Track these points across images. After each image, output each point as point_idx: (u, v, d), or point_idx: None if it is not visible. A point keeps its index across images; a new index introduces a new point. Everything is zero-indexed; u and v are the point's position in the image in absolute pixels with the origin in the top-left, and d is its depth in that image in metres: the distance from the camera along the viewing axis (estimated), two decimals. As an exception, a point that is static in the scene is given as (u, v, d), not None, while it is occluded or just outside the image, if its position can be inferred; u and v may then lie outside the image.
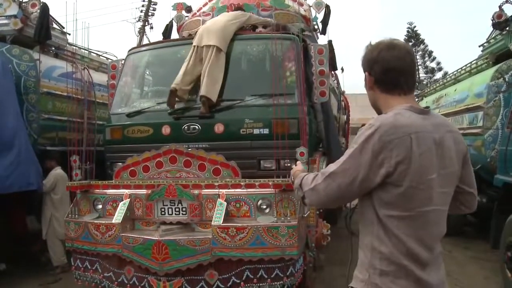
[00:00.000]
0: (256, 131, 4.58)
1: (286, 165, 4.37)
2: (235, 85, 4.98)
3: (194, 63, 4.87)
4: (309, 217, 4.56)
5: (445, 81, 10.28)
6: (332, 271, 5.89)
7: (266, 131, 4.56)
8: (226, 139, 4.65)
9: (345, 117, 10.42)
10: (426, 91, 12.27)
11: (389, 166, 1.67)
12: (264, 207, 4.06)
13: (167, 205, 4.26)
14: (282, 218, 3.91)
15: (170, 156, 4.33)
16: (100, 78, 7.84)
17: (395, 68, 1.82)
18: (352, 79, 33.11)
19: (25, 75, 6.18)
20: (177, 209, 4.24)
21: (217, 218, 3.94)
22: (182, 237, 3.95)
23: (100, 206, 4.54)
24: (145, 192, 4.28)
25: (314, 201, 1.91)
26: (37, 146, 6.29)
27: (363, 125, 1.85)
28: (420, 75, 25.78)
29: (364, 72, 1.94)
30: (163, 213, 4.26)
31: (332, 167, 1.79)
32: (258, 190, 4.06)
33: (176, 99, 4.80)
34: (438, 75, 22.49)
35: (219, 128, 4.65)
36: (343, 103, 9.75)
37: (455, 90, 9.02)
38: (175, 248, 3.87)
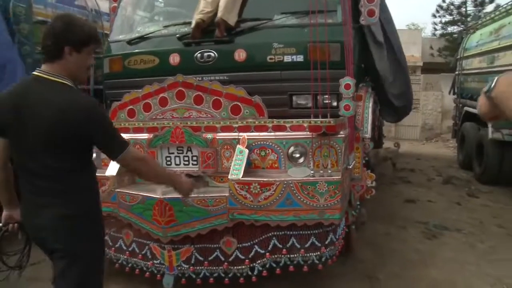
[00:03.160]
0: (287, 58, 3.54)
1: (326, 101, 3.37)
2: (261, 0, 3.90)
3: None
4: (354, 168, 3.60)
5: (508, 7, 8.78)
6: (375, 228, 5.01)
7: (300, 58, 3.51)
8: (249, 69, 3.63)
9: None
10: (478, 22, 10.72)
11: None
12: (297, 155, 3.11)
13: (173, 153, 3.38)
14: (321, 171, 2.96)
15: (176, 91, 3.38)
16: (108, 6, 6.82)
17: None
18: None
19: (13, -1, 5.23)
20: (186, 158, 3.35)
21: (236, 170, 3.03)
22: (192, 194, 3.07)
23: (94, 155, 3.68)
24: (146, 137, 3.39)
25: None
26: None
27: None
28: (468, 8, 23.55)
29: None
30: (168, 163, 3.39)
31: None
32: (289, 133, 3.10)
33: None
34: (489, 7, 20.34)
35: (240, 55, 3.63)
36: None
37: (523, 17, 7.61)
38: (181, 209, 3.01)
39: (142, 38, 4.04)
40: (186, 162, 3.35)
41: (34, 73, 2.03)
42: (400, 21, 51.98)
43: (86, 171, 2.14)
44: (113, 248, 3.38)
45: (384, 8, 5.33)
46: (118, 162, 2.26)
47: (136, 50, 4.00)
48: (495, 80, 1.02)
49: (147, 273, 3.28)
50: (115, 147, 2.09)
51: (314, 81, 3.06)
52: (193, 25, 3.72)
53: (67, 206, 2.00)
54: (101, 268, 2.18)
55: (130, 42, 4.09)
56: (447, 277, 3.79)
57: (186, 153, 3.34)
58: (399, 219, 5.42)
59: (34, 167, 2.00)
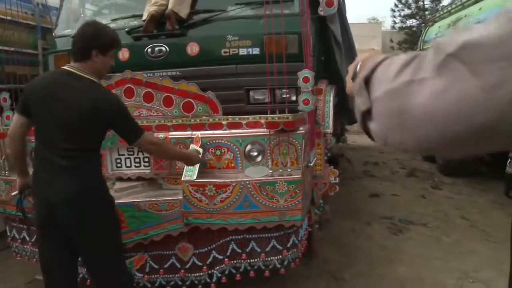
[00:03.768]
0: (242, 51, 3.37)
1: (284, 96, 3.21)
2: (214, -10, 3.70)
3: None
4: (316, 165, 3.45)
5: (463, 0, 8.86)
6: (340, 226, 4.90)
7: (256, 51, 3.35)
8: (203, 63, 3.44)
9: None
10: (436, 15, 10.83)
11: None
12: (255, 154, 2.93)
13: (123, 155, 3.16)
14: (280, 170, 2.79)
15: (125, 88, 3.14)
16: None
17: None
18: (350, 7, 30.87)
19: None
20: (137, 160, 3.13)
21: (190, 172, 2.82)
22: (142, 198, 2.86)
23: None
24: (93, 138, 3.14)
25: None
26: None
27: None
28: (425, 2, 24.01)
29: None
30: (118, 165, 3.16)
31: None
32: (246, 131, 2.91)
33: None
34: (445, 1, 20.78)
35: (193, 49, 3.43)
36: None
37: (479, 9, 7.66)
38: (133, 215, 2.79)
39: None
40: (137, 164, 3.12)
41: (65, 68, 2.41)
42: (360, 15, 52.51)
43: (99, 152, 2.53)
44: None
45: (342, 1, 5.24)
46: (135, 145, 2.57)
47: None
48: (357, 64, 0.91)
49: None
50: (133, 134, 2.43)
51: (271, 75, 2.89)
52: (146, 17, 3.50)
53: (84, 183, 2.31)
54: (120, 237, 2.60)
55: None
56: (415, 273, 3.70)
57: (137, 155, 3.12)
58: (364, 215, 5.33)
59: (56, 147, 2.30)
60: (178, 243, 2.89)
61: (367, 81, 0.73)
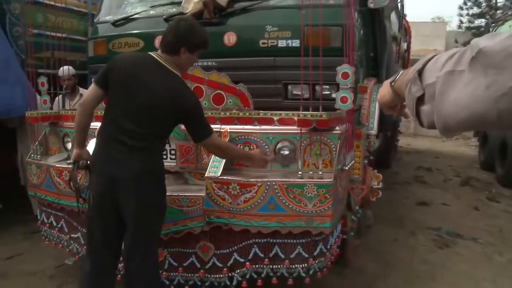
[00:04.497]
0: (281, 43, 3.17)
1: (325, 92, 2.99)
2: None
3: None
4: (353, 169, 3.20)
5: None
6: (381, 233, 4.60)
7: (296, 43, 3.14)
8: (239, 55, 3.27)
9: (406, 44, 8.67)
10: (508, 13, 10.04)
11: None
12: (286, 153, 2.74)
13: (150, 146, 3.04)
14: (311, 172, 2.58)
15: (156, 77, 3.02)
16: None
17: None
18: (413, 5, 29.66)
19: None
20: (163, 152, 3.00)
21: (214, 168, 2.67)
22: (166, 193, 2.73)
23: (71, 144, 3.38)
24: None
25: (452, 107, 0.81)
26: (26, 68, 5.16)
27: None
28: (498, 0, 22.66)
29: None
30: (145, 156, 3.05)
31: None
32: (277, 127, 2.73)
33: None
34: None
35: (230, 38, 3.27)
36: (404, 27, 7.97)
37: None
38: (153, 209, 2.67)
39: (127, 20, 3.72)
40: (164, 156, 3.00)
41: (152, 54, 2.42)
42: (423, 13, 50.59)
43: (165, 139, 2.58)
44: (85, 247, 3.06)
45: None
46: (199, 144, 2.60)
47: (120, 33, 3.67)
48: (400, 73, 1.09)
49: (119, 276, 2.96)
50: (201, 133, 2.43)
51: (310, 69, 2.67)
52: (200, 6, 3.35)
53: (148, 163, 2.37)
54: (163, 220, 2.55)
55: (115, 23, 3.76)
56: (458, 294, 3.38)
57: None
58: (409, 223, 5.00)
59: (127, 126, 2.32)
60: (199, 241, 2.75)
61: (420, 74, 0.90)
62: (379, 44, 4.07)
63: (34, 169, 3.35)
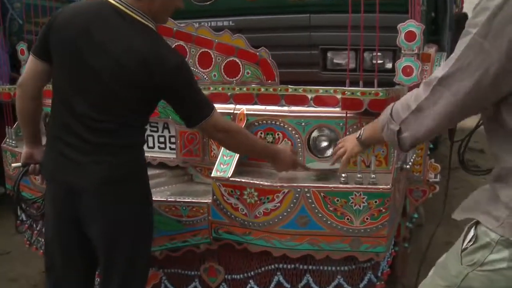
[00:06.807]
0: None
1: (375, 62, 2.21)
2: None
3: None
4: (414, 164, 2.42)
5: None
6: (431, 233, 3.81)
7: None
8: (263, 12, 2.53)
9: (457, 10, 7.68)
10: None
11: None
12: (324, 145, 1.99)
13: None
14: (359, 175, 1.82)
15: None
16: None
17: None
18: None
19: None
20: (161, 139, 2.31)
21: (224, 165, 1.95)
22: (158, 196, 2.03)
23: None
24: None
25: (421, 132, 1.20)
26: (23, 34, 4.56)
27: None
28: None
29: None
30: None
31: (440, 71, 1.13)
32: (312, 109, 1.97)
33: None
34: None
35: (251, -9, 2.52)
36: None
37: None
38: (143, 217, 1.99)
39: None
40: (162, 145, 2.30)
41: (113, 1, 1.60)
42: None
43: (143, 129, 1.79)
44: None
45: None
46: (195, 129, 1.88)
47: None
48: (362, 129, 1.57)
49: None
50: (194, 112, 1.70)
51: (362, 30, 1.87)
52: None
53: (118, 166, 1.66)
54: (151, 234, 1.83)
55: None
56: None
57: (162, 131, 2.29)
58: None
59: (82, 111, 1.61)
60: (205, 262, 2.06)
61: (389, 113, 1.30)
62: (442, 2, 3.26)
63: (9, 157, 2.73)
